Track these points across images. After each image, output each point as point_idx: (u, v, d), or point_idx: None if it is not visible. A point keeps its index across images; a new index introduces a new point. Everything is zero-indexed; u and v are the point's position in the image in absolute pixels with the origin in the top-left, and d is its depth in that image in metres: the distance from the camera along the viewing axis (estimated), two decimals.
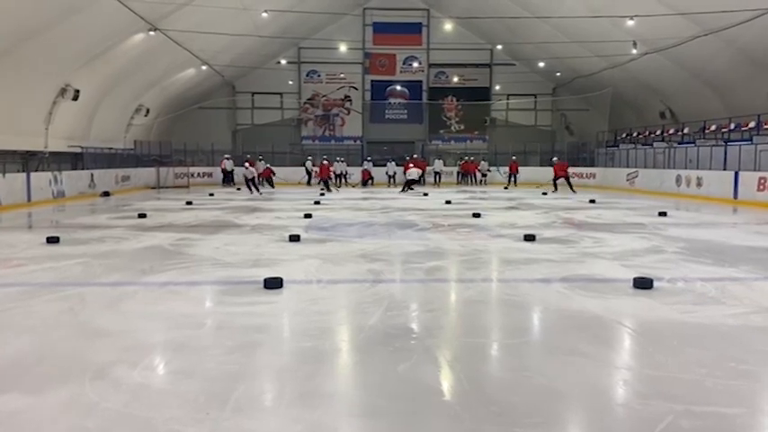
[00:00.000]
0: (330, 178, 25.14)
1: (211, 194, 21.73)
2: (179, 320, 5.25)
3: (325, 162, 25.04)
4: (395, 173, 28.10)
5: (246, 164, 24.59)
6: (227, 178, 28.17)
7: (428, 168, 28.72)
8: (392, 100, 35.02)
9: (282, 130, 34.03)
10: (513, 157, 28.16)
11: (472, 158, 30.43)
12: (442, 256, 8.74)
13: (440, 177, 29.12)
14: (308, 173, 28.35)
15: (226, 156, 28.88)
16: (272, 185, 26.06)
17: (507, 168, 28.02)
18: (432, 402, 3.59)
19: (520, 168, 27.92)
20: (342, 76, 34.39)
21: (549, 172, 24.73)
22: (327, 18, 30.02)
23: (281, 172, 29.27)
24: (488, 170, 29.88)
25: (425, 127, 35.14)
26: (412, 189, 24.12)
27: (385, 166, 28.90)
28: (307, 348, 4.54)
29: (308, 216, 13.72)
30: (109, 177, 22.75)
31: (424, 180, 27.56)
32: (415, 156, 29.56)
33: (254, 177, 22.85)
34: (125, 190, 23.67)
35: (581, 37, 24.44)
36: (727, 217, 14.88)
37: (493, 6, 26.05)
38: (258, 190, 22.58)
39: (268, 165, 27.07)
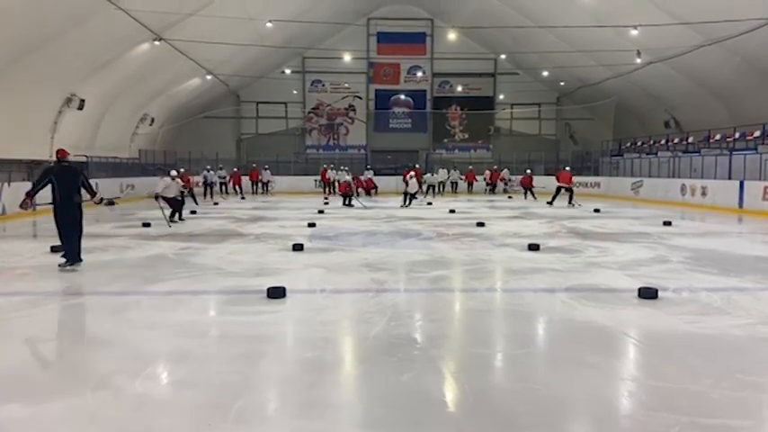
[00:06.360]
0: (350, 193, 21.31)
1: (216, 203, 21.76)
2: (182, 330, 5.24)
3: (331, 173, 21.55)
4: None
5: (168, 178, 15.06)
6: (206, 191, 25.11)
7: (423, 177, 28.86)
8: (396, 109, 35.12)
9: (287, 139, 34.13)
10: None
11: (495, 167, 30.59)
12: (446, 265, 8.72)
13: (444, 187, 29.13)
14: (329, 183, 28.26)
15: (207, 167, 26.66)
16: (195, 201, 20.16)
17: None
18: (435, 413, 3.56)
19: (517, 178, 27.90)
20: (346, 85, 34.54)
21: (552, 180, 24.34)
22: (332, 28, 30.15)
23: (283, 181, 29.37)
24: (510, 179, 29.98)
25: (429, 136, 35.21)
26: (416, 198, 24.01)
27: (393, 175, 28.85)
28: (310, 358, 4.52)
29: (311, 225, 13.73)
30: (114, 186, 22.82)
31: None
32: (416, 165, 29.53)
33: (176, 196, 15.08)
34: (130, 199, 23.72)
35: (585, 46, 24.47)
36: (733, 226, 14.81)
37: (497, 16, 26.14)
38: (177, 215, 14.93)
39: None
